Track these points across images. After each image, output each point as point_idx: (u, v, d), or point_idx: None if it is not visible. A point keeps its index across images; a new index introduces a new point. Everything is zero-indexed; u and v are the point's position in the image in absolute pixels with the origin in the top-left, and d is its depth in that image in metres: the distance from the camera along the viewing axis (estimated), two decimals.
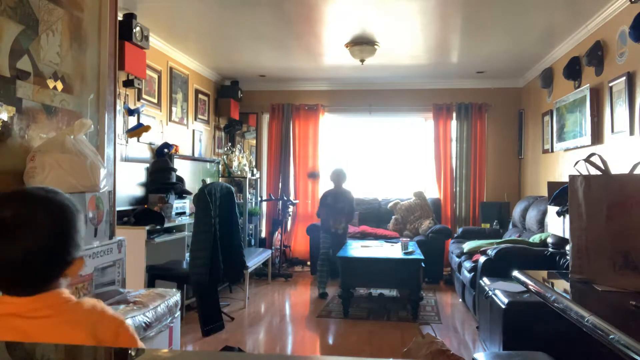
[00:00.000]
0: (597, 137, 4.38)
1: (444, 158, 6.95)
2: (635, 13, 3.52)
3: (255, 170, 7.01)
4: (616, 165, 2.05)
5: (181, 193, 5.03)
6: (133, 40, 4.23)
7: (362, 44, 5.11)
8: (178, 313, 2.28)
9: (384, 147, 7.37)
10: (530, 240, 4.52)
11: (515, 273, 2.11)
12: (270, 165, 7.32)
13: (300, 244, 7.10)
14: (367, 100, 7.16)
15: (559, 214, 3.57)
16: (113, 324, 1.08)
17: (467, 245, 5.01)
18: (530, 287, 1.94)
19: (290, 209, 7.04)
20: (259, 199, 7.14)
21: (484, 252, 4.34)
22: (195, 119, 6.24)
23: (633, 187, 1.74)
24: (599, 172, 1.84)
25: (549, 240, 4.14)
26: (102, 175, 2.05)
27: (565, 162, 5.15)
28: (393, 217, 6.76)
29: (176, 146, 5.38)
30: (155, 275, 4.13)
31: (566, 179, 2.12)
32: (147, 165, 4.98)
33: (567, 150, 5.07)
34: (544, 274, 2.14)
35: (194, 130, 6.17)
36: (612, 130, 4.09)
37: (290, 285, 6.03)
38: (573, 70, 4.80)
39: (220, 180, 6.12)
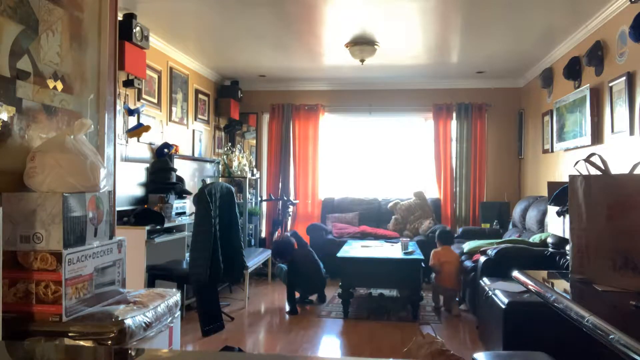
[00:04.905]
0: (597, 137, 4.38)
1: (444, 158, 6.95)
2: (635, 13, 3.52)
3: (255, 170, 7.01)
4: (616, 165, 2.04)
5: (181, 193, 5.03)
6: (133, 40, 4.23)
7: (362, 44, 5.11)
8: (178, 313, 2.27)
9: (384, 147, 7.37)
10: (530, 240, 4.52)
11: (515, 273, 2.11)
12: (270, 165, 7.32)
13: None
14: (367, 100, 7.15)
15: (559, 214, 3.57)
16: None
17: (467, 245, 5.01)
18: (530, 287, 1.94)
19: (290, 209, 7.04)
20: (259, 199, 7.14)
21: (484, 252, 4.34)
22: (195, 119, 6.24)
23: (633, 187, 1.73)
24: (599, 172, 1.84)
25: (549, 240, 4.14)
26: (102, 175, 2.04)
27: (565, 162, 5.15)
28: (393, 217, 6.76)
29: (176, 146, 5.38)
30: (155, 275, 4.12)
31: (566, 179, 2.12)
32: (147, 165, 4.98)
33: (567, 150, 5.07)
34: (544, 274, 2.14)
35: (194, 130, 6.17)
36: (612, 130, 4.09)
37: None
38: (573, 70, 4.80)
39: (220, 180, 6.12)
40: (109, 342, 1.74)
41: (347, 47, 5.22)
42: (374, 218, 6.87)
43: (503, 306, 3.11)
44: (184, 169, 5.44)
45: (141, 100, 4.91)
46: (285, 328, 4.35)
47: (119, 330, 1.77)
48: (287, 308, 4.88)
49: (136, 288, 2.32)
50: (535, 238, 4.47)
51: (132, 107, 4.68)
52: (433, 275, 4.94)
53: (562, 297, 1.65)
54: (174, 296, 2.25)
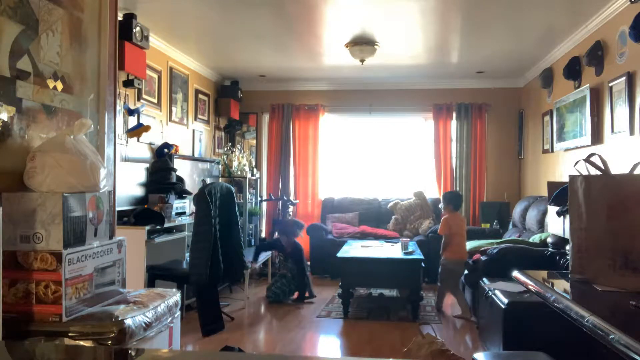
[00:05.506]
0: (597, 137, 4.38)
1: (444, 158, 6.95)
2: (635, 13, 3.52)
3: (255, 170, 7.01)
4: (616, 165, 2.04)
5: (181, 193, 5.03)
6: (133, 40, 4.23)
7: (362, 44, 5.11)
8: (178, 313, 2.27)
9: (384, 147, 7.37)
10: (530, 240, 4.52)
11: (515, 273, 2.11)
12: (270, 165, 7.32)
13: (300, 244, 7.09)
14: (367, 100, 7.15)
15: (559, 214, 3.57)
16: None
17: (467, 245, 5.01)
18: (530, 287, 1.94)
19: (290, 209, 7.04)
20: (259, 199, 7.14)
21: (484, 252, 4.34)
22: (195, 119, 6.24)
23: (633, 187, 1.73)
24: (599, 172, 1.84)
25: (549, 240, 4.14)
26: (102, 175, 2.04)
27: (565, 162, 5.15)
28: (393, 217, 6.76)
29: (176, 146, 5.38)
30: (155, 275, 4.12)
31: (566, 179, 2.12)
32: (147, 165, 4.98)
33: (567, 150, 5.07)
34: (544, 274, 2.14)
35: (194, 130, 6.16)
36: (612, 130, 4.09)
37: None
38: (573, 70, 4.80)
39: (220, 180, 6.12)
40: (109, 342, 1.73)
41: (347, 47, 5.22)
42: (374, 218, 6.87)
43: (503, 306, 3.11)
44: (184, 169, 5.44)
45: (141, 100, 4.91)
46: (285, 328, 4.35)
47: (119, 330, 1.77)
48: (307, 294, 5.13)
49: (136, 288, 2.32)
50: (535, 238, 4.47)
51: (132, 107, 4.68)
52: (440, 268, 4.83)
53: (562, 297, 1.65)
54: (174, 296, 2.25)
